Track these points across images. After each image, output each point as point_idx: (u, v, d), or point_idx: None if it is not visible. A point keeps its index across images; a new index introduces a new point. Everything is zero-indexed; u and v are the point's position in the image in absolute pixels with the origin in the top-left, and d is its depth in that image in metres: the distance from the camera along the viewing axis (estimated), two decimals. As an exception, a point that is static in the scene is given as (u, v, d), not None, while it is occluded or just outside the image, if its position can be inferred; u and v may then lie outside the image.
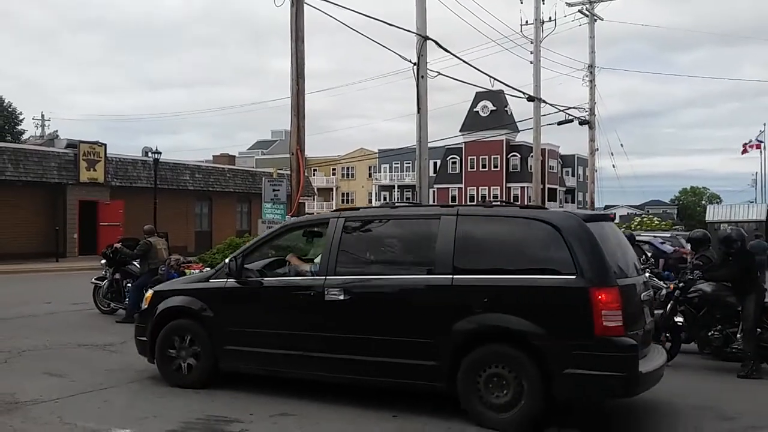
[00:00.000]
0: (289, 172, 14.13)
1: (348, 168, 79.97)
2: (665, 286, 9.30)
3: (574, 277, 5.59)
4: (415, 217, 6.81)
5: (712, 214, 36.79)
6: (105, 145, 30.15)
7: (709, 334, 8.45)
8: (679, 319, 8.67)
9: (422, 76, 19.10)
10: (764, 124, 62.64)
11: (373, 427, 5.95)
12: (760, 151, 54.10)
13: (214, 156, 54.24)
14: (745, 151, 51.71)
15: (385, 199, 76.05)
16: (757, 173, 60.54)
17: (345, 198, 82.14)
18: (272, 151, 79.67)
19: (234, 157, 56.34)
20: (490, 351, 5.80)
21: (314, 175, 73.74)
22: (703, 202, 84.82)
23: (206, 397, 6.68)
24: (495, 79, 23.34)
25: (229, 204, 37.16)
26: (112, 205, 29.37)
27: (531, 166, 31.25)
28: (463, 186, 66.73)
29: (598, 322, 5.43)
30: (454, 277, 5.97)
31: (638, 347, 5.55)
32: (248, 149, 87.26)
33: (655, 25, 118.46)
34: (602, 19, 30.85)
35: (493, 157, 65.03)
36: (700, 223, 37.10)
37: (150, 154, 30.24)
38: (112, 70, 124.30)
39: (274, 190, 14.05)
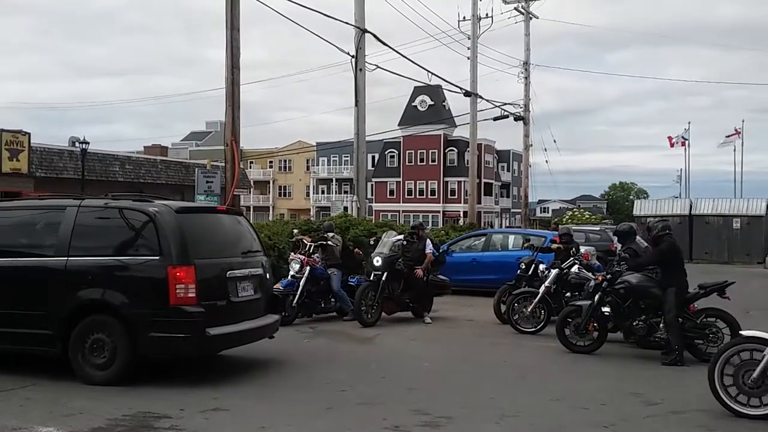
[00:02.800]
0: (223, 164, 13.86)
1: (285, 160, 79.11)
2: (593, 277, 9.59)
3: (158, 257, 6.74)
4: (48, 208, 7.70)
5: (639, 208, 38.16)
6: (29, 134, 28.76)
7: (634, 323, 8.76)
8: (606, 309, 8.96)
9: (360, 69, 19.09)
10: (689, 123, 65.29)
11: (312, 421, 5.93)
12: (685, 149, 56.43)
13: (145, 147, 52.64)
14: (672, 145, 53.74)
15: (322, 192, 75.69)
16: (681, 170, 63.04)
17: (282, 191, 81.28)
18: (207, 143, 77.95)
19: (167, 148, 54.84)
20: (92, 321, 6.88)
21: (250, 167, 72.60)
22: (631, 197, 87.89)
23: (135, 393, 6.50)
24: (433, 74, 23.57)
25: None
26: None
27: (468, 160, 31.70)
28: (401, 180, 67.07)
29: (172, 293, 6.65)
30: (69, 259, 6.98)
31: (207, 314, 6.75)
32: (182, 140, 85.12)
33: (587, 25, 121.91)
34: (537, 18, 31.51)
35: (430, 151, 65.55)
36: (628, 217, 38.42)
37: (77, 144, 29.09)
38: (41, 56, 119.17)
39: (207, 182, 13.75)
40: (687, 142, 55.14)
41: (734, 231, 34.02)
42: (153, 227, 6.88)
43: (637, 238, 10.52)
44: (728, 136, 52.83)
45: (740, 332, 6.70)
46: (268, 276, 8.01)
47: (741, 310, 6.02)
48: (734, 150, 54.96)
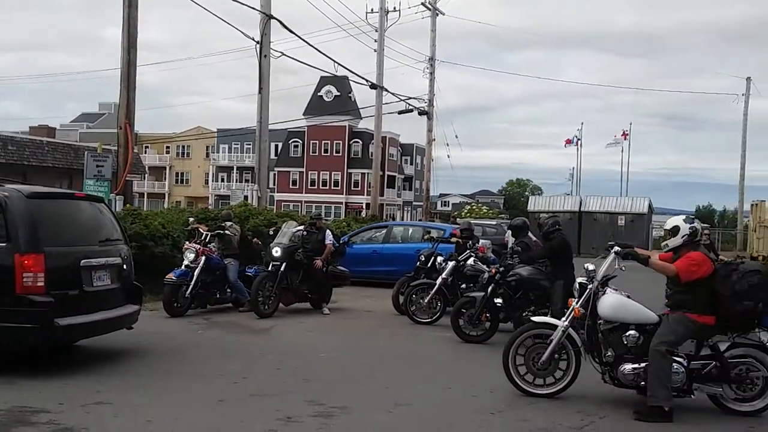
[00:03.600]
0: (116, 148, 13.24)
1: (184, 146, 76.69)
2: (488, 270, 9.89)
3: (5, 244, 6.48)
4: None
5: (534, 204, 39.76)
6: None
7: (524, 314, 9.10)
8: (498, 300, 9.26)
9: (265, 56, 18.74)
10: (581, 124, 68.50)
11: (196, 414, 5.78)
12: (577, 149, 59.31)
13: (31, 127, 49.42)
14: (568, 142, 56.35)
15: (222, 180, 73.92)
16: (573, 168, 66.25)
17: (179, 178, 78.76)
18: (100, 125, 74.25)
19: (54, 129, 51.75)
20: None
21: (146, 152, 69.85)
22: (527, 193, 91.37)
23: (11, 387, 6.10)
24: (339, 64, 23.52)
25: (47, 180, 33.89)
26: None
27: (372, 152, 31.85)
28: (304, 170, 66.58)
29: (19, 282, 6.43)
30: None
31: (56, 304, 6.54)
32: (72, 122, 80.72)
33: (492, 24, 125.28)
34: (443, 14, 32.04)
35: (335, 142, 65.45)
36: (523, 213, 39.94)
37: (-48, 121, 26.93)
38: None
39: (98, 166, 13.07)
40: (579, 142, 58.06)
41: (619, 227, 36.07)
42: (1, 212, 6.56)
43: (530, 235, 10.93)
44: (614, 138, 56.06)
45: (532, 318, 7.14)
46: (126, 266, 7.72)
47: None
48: (622, 151, 58.52)
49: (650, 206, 37.45)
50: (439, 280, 10.70)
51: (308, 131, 64.35)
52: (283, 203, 61.32)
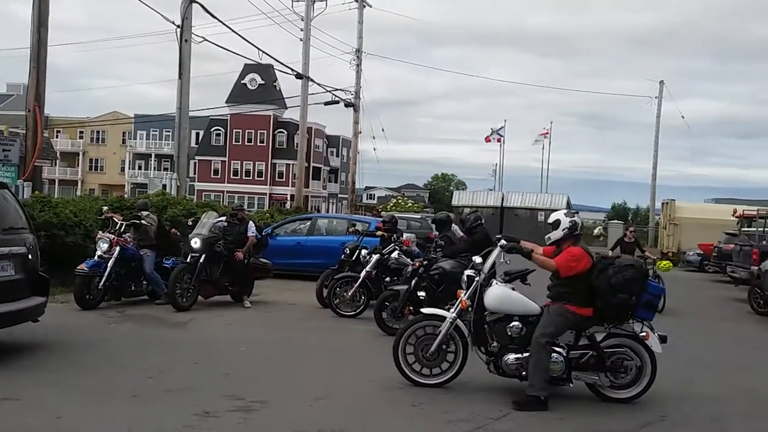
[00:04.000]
0: (24, 131, 12.51)
1: (98, 132, 73.59)
2: (412, 263, 9.93)
3: None
4: None
5: (458, 199, 40.44)
6: None
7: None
8: (421, 294, 9.31)
9: (186, 41, 18.16)
10: (505, 121, 70.09)
11: (108, 410, 5.53)
12: (500, 145, 60.60)
13: (-71, 107, 46.18)
14: (488, 140, 57.43)
15: (140, 167, 71.47)
16: (497, 164, 67.72)
17: (93, 164, 75.62)
18: (7, 107, 69.97)
19: (-43, 110, 48.56)
20: None
21: (57, 137, 66.73)
22: (451, 187, 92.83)
23: None
24: (264, 52, 23.04)
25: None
26: None
27: (297, 143, 31.49)
28: (226, 159, 65.13)
29: None
30: None
31: None
32: (-24, 103, 75.97)
33: (419, 19, 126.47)
34: (371, 6, 32.00)
35: (259, 131, 64.34)
36: (448, 207, 40.52)
37: None
38: None
39: (3, 150, 12.33)
40: (502, 138, 59.33)
41: (539, 223, 37.12)
42: None
43: (453, 226, 11.05)
44: (539, 136, 57.67)
45: (421, 310, 7.27)
46: (31, 256, 7.34)
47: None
48: (543, 149, 60.16)
49: (568, 203, 38.72)
50: (363, 273, 10.68)
51: (231, 119, 62.97)
52: (204, 193, 59.85)
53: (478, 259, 6.68)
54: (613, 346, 6.40)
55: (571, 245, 6.37)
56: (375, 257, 10.77)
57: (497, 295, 6.43)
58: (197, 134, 63.90)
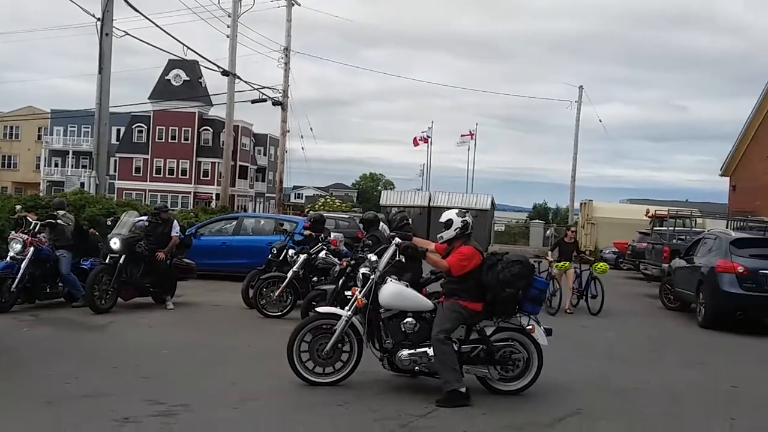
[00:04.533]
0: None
1: (11, 127, 69.93)
2: (339, 263, 9.92)
3: None
4: None
5: (386, 198, 40.51)
6: None
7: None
8: (349, 293, 9.29)
9: (107, 34, 17.55)
10: (432, 122, 70.96)
11: (27, 417, 5.29)
12: (428, 146, 61.35)
13: None
14: (416, 144, 58.04)
15: (56, 165, 68.42)
16: (424, 164, 68.49)
17: (6, 161, 71.87)
18: None
19: None
20: None
21: (-33, 132, 63.06)
22: (380, 187, 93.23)
23: None
24: (189, 48, 22.49)
25: None
26: None
27: (223, 141, 30.86)
28: (149, 157, 63.18)
29: None
30: None
31: None
32: None
33: (348, 19, 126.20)
34: (299, 5, 31.72)
35: (183, 129, 62.70)
36: (376, 207, 40.68)
37: None
38: None
39: None
40: (430, 139, 60.07)
41: (464, 222, 37.78)
42: None
43: (382, 225, 11.11)
44: (463, 137, 58.67)
45: (317, 309, 7.33)
46: None
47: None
48: (468, 150, 61.24)
49: (493, 203, 39.52)
50: (290, 273, 10.60)
51: (154, 116, 61.10)
52: (124, 191, 57.93)
53: (373, 257, 6.78)
54: (502, 339, 6.61)
55: (462, 244, 6.56)
56: (302, 257, 10.71)
57: (391, 292, 6.52)
58: (118, 131, 61.75)
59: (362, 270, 6.84)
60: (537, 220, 47.61)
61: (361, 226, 12.55)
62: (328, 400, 6.22)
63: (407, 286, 6.68)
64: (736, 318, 11.77)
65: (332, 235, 12.12)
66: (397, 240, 6.73)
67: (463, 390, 6.20)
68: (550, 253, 14.03)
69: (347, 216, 27.99)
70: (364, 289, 6.61)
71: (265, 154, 73.81)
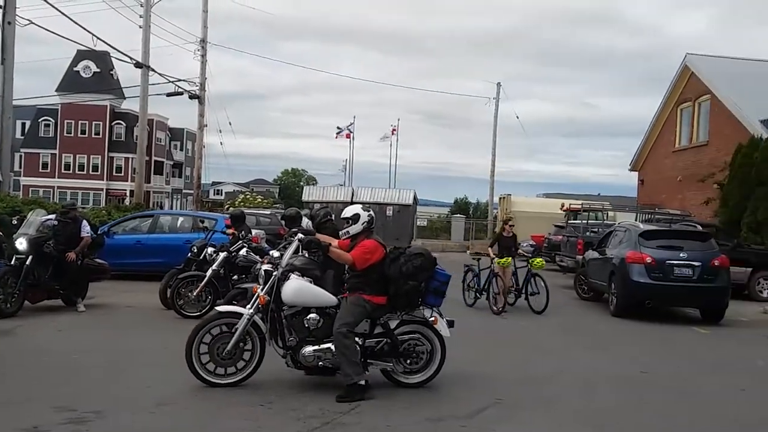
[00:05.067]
0: None
1: None
2: (260, 260, 9.74)
3: None
4: None
5: (308, 194, 40.20)
6: None
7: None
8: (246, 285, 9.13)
9: (9, 23, 16.64)
10: (354, 117, 71.00)
11: None
12: (350, 141, 61.39)
13: None
14: (337, 135, 57.91)
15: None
16: (346, 160, 68.46)
17: None
18: None
19: None
20: None
21: None
22: (302, 183, 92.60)
23: None
24: (99, 38, 21.57)
25: None
26: None
27: (137, 136, 29.77)
28: (57, 152, 60.28)
29: None
30: None
31: None
32: None
33: (267, 12, 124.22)
34: (216, -4, 31.00)
35: (94, 123, 60.15)
36: (298, 203, 40.33)
37: None
38: None
39: None
40: (352, 135, 60.12)
41: (387, 218, 37.97)
42: None
43: (305, 221, 10.99)
44: (386, 133, 59.05)
45: (217, 308, 7.21)
46: None
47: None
48: (390, 145, 61.70)
49: (415, 198, 39.91)
50: (210, 271, 10.35)
51: (62, 109, 58.35)
52: (31, 189, 55.10)
53: (275, 254, 6.76)
54: (406, 332, 6.70)
55: (365, 238, 6.61)
56: (222, 255, 10.47)
57: (294, 288, 6.48)
58: (23, 125, 58.72)
59: (264, 267, 6.74)
60: (458, 215, 48.40)
61: (283, 222, 12.37)
62: (250, 400, 6.11)
63: (310, 281, 6.60)
64: (645, 306, 12.37)
65: (253, 232, 11.92)
66: (300, 235, 6.68)
67: (363, 383, 6.22)
68: (490, 249, 13.45)
69: (269, 212, 27.63)
70: (266, 286, 6.51)
71: (181, 149, 71.83)
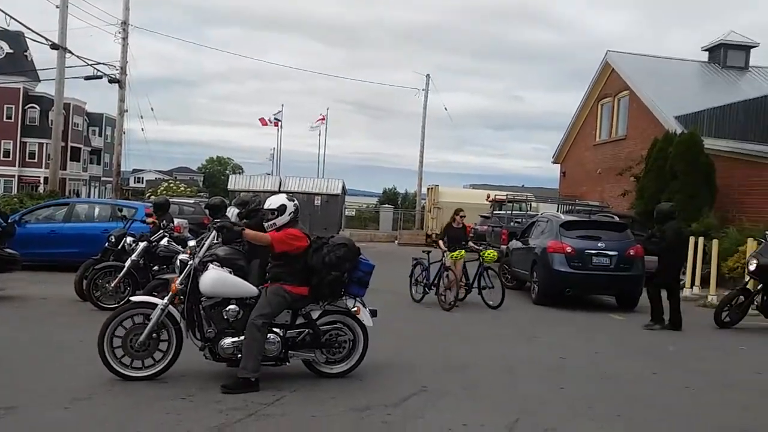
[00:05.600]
0: None
1: None
2: (183, 250, 9.48)
3: None
4: None
5: (234, 183, 39.42)
6: None
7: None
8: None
9: None
10: (282, 105, 69.96)
11: None
12: (278, 129, 60.45)
13: None
14: (264, 124, 56.83)
15: None
16: (274, 148, 67.44)
17: None
18: None
19: None
20: None
21: None
22: (227, 171, 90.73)
23: None
24: (12, 17, 20.47)
25: None
26: None
27: (52, 120, 28.39)
28: (-35, 136, 57.01)
29: None
30: None
31: None
32: None
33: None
34: (137, -23, 29.85)
35: (6, 106, 57.08)
36: (223, 192, 39.51)
37: None
38: None
39: None
40: (280, 123, 59.23)
41: (316, 207, 37.73)
42: None
43: (232, 211, 10.77)
44: (316, 122, 58.54)
45: (130, 298, 7.15)
46: None
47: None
48: (320, 134, 61.17)
49: (344, 188, 39.79)
50: (129, 261, 10.01)
51: (-29, 91, 55.09)
52: (-65, 175, 51.87)
53: (192, 243, 6.62)
54: (328, 323, 6.67)
55: (290, 227, 6.51)
56: (142, 245, 10.13)
57: (213, 278, 6.32)
58: (-75, 106, 55.07)
59: (180, 256, 6.58)
60: (387, 205, 48.63)
61: (207, 212, 12.07)
62: (171, 393, 5.94)
63: (230, 272, 6.45)
64: (565, 294, 12.78)
65: (176, 221, 11.58)
66: (218, 223, 6.54)
67: (254, 379, 6.11)
68: (441, 242, 12.62)
69: (192, 201, 27.00)
70: (181, 276, 6.34)
71: (100, 135, 69.19)
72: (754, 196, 18.20)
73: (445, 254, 12.19)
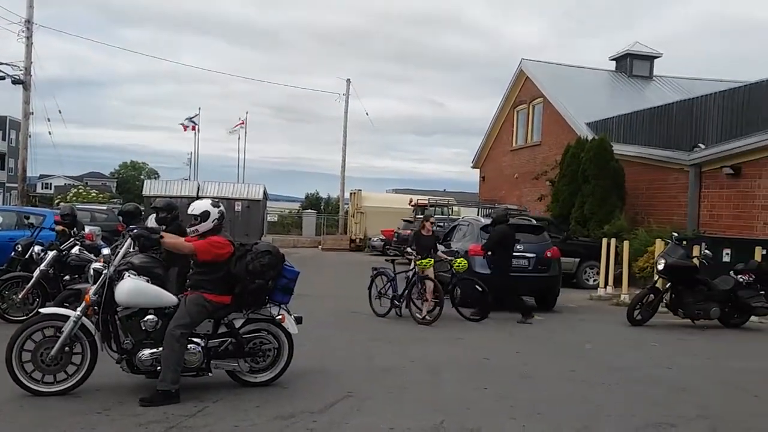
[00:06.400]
0: None
1: None
2: (96, 259, 9.08)
3: None
4: None
5: (149, 188, 38.25)
6: None
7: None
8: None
9: None
10: (199, 108, 68.50)
11: None
12: (195, 133, 58.99)
13: None
14: (185, 129, 55.39)
15: None
16: (191, 153, 65.80)
17: None
18: None
19: None
20: None
21: None
22: (142, 176, 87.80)
23: None
24: None
25: None
26: None
27: (-50, 123, 26.66)
28: None
29: None
30: None
31: None
32: None
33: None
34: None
35: None
36: (138, 197, 38.20)
37: None
38: None
39: None
40: (197, 127, 57.84)
41: (236, 213, 37.06)
42: None
43: (150, 217, 10.40)
44: (234, 126, 57.51)
45: (40, 310, 6.94)
46: None
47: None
48: (239, 138, 60.10)
49: (265, 193, 39.32)
50: (37, 271, 9.49)
51: None
52: None
53: (106, 251, 6.40)
54: (251, 331, 6.55)
55: (215, 234, 6.35)
56: (51, 254, 9.63)
57: (129, 288, 6.10)
58: None
59: (94, 265, 6.31)
60: (310, 210, 48.33)
61: (120, 218, 11.57)
62: (86, 408, 5.66)
63: (147, 281, 6.21)
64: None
65: (87, 228, 11.08)
66: (135, 231, 6.30)
67: (174, 391, 5.94)
68: (410, 248, 12.02)
69: (105, 208, 26.00)
70: (96, 285, 6.08)
71: (4, 139, 65.56)
72: (661, 199, 19.19)
73: (414, 263, 11.53)
